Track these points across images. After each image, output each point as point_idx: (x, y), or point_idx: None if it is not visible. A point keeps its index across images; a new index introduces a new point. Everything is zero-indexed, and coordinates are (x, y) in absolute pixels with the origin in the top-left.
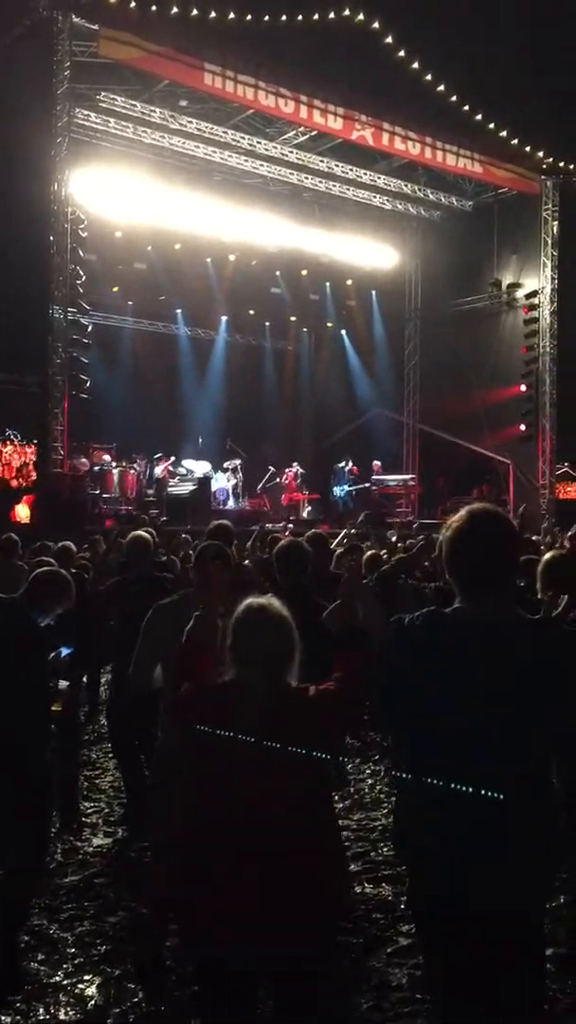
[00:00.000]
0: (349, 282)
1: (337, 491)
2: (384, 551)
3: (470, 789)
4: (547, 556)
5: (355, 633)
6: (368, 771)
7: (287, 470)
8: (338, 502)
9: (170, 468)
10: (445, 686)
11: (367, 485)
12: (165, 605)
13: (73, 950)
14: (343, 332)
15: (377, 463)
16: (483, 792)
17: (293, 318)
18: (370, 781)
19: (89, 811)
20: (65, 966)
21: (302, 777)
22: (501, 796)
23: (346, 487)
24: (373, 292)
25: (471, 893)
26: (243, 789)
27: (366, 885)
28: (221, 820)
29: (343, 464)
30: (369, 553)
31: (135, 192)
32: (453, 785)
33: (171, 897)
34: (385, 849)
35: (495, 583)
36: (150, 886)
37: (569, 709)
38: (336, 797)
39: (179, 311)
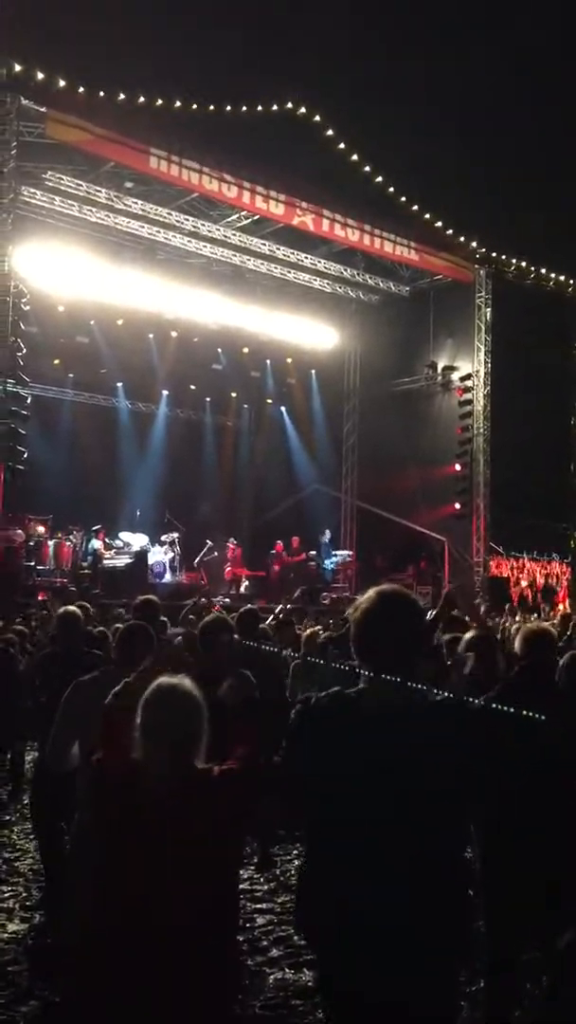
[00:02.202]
0: (289, 360)
1: (328, 564)
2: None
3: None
4: (467, 635)
5: (249, 706)
6: (295, 852)
7: (229, 544)
8: (327, 575)
9: (106, 540)
10: (346, 768)
11: (349, 556)
12: (85, 682)
13: None
14: (283, 409)
15: (296, 538)
16: (387, 881)
17: (234, 394)
18: (296, 863)
19: (5, 895)
20: None
21: (208, 860)
22: (405, 884)
23: (335, 559)
24: (313, 371)
25: (374, 982)
26: (148, 870)
27: (287, 970)
28: (126, 902)
29: (325, 538)
30: (309, 631)
31: (79, 268)
32: (357, 871)
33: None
34: None
35: (399, 664)
36: (63, 972)
37: (470, 789)
38: (261, 879)
39: (120, 385)
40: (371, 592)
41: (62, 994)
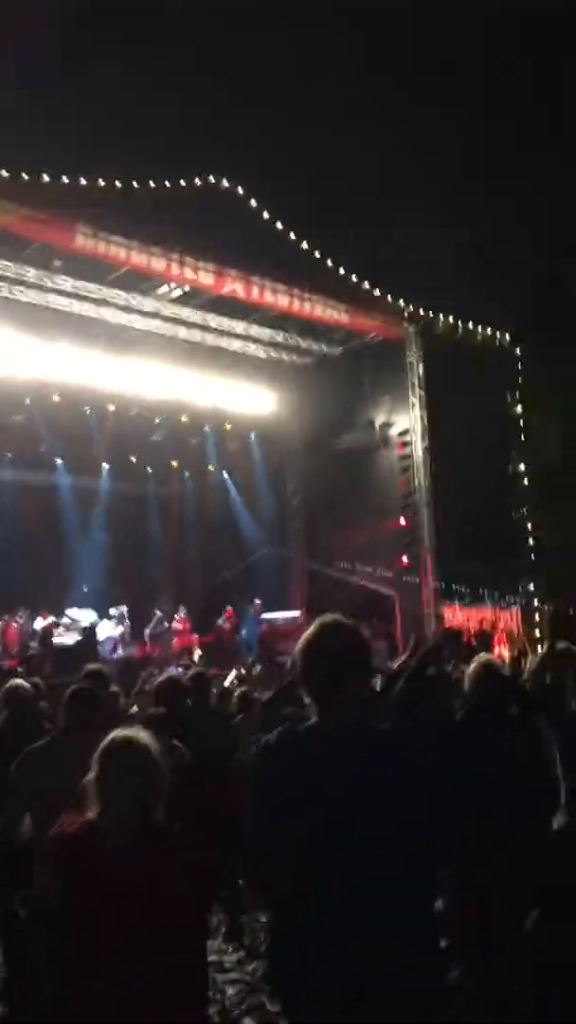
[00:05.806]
0: (229, 426)
1: (245, 633)
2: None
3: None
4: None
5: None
6: (263, 922)
7: (176, 615)
8: (244, 645)
9: (54, 619)
10: (305, 802)
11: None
12: (35, 750)
13: None
14: (225, 474)
15: (258, 601)
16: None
17: (175, 463)
18: (265, 932)
19: None
20: None
21: (175, 920)
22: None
23: (263, 622)
24: (252, 434)
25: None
26: (115, 933)
27: None
28: (96, 968)
29: (251, 606)
30: (240, 691)
31: (11, 348)
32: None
33: None
34: None
35: (341, 690)
36: None
37: (422, 811)
38: (229, 949)
39: (59, 460)
40: (315, 623)
41: None
